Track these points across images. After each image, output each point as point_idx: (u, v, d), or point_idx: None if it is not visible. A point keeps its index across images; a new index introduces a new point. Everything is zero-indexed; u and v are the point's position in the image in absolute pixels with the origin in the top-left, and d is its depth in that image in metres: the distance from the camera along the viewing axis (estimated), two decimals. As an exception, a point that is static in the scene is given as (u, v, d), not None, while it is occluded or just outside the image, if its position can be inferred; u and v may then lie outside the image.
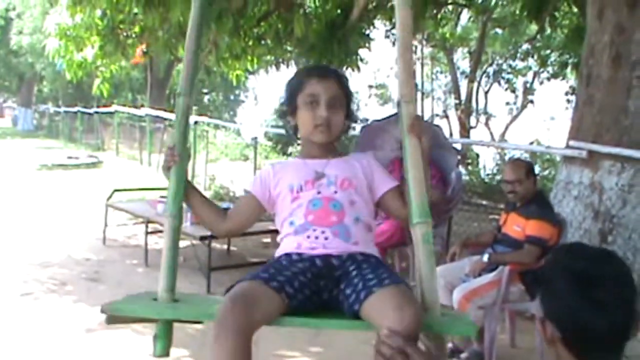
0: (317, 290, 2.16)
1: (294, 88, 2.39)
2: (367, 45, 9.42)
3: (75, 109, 26.68)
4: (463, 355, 4.52)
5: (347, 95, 2.41)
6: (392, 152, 6.39)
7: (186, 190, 2.40)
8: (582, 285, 1.46)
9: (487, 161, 16.81)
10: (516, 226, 4.47)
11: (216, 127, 13.65)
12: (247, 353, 1.96)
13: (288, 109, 2.42)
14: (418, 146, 2.28)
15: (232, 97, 40.44)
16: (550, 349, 1.54)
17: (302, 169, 2.35)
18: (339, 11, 8.84)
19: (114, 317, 2.26)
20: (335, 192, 2.27)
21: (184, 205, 2.42)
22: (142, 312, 2.27)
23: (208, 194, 11.16)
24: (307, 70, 2.53)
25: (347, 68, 9.33)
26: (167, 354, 2.31)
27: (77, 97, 31.49)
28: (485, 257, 4.45)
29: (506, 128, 24.66)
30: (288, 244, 2.28)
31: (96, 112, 23.84)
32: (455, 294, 4.34)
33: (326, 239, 2.20)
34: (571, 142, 5.51)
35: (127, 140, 19.95)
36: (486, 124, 24.26)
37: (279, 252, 2.33)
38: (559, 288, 1.50)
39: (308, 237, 2.22)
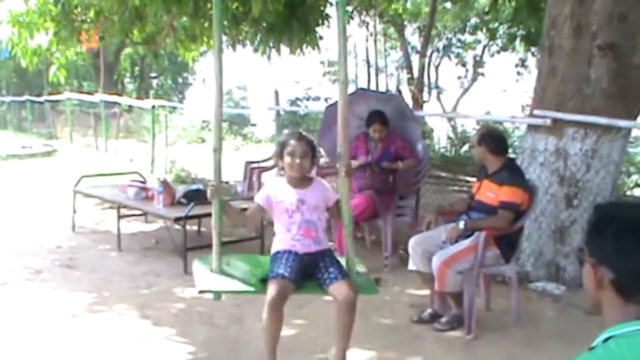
0: (304, 270, 3.78)
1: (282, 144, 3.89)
2: (325, 23, 9.41)
3: (24, 97, 26.05)
4: (443, 319, 4.67)
5: (312, 149, 3.84)
6: (357, 129, 6.50)
7: (224, 208, 3.84)
8: (638, 231, 1.60)
9: (442, 135, 17.06)
10: (490, 192, 4.62)
11: (171, 110, 13.59)
12: (281, 317, 3.73)
13: (278, 157, 3.90)
14: (348, 182, 3.85)
15: (180, 80, 40.09)
16: (595, 292, 1.65)
17: (291, 195, 3.81)
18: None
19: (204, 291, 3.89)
20: (311, 214, 3.82)
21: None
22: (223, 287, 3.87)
23: (169, 177, 11.12)
24: (289, 134, 4.00)
25: (307, 47, 9.35)
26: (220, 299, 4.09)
27: (23, 85, 30.74)
28: (461, 224, 4.60)
29: (457, 102, 25.01)
30: (285, 242, 3.84)
31: (47, 101, 23.35)
32: (434, 260, 4.47)
33: (310, 245, 3.83)
34: (535, 111, 5.65)
35: (80, 127, 19.60)
36: (438, 98, 24.56)
37: (278, 246, 3.87)
38: (616, 234, 1.62)
39: (302, 244, 3.81)
